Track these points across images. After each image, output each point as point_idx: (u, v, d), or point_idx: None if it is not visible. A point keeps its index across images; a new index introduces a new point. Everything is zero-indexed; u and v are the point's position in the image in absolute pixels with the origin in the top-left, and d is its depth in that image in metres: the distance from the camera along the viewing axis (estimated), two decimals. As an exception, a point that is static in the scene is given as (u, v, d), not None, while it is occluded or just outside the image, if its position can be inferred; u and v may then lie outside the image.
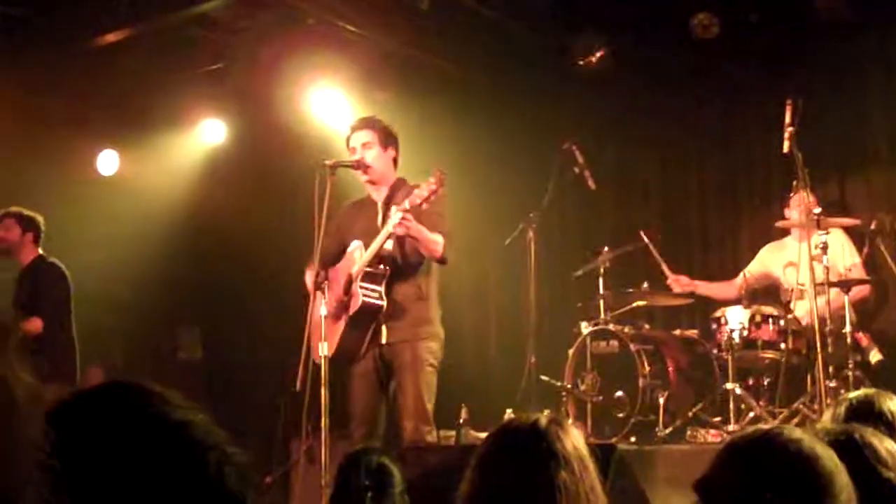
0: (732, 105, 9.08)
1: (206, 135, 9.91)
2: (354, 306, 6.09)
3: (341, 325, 6.12)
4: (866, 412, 3.16)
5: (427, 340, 6.16)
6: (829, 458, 2.18)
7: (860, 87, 8.45)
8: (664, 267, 7.98)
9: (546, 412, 2.91)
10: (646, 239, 7.96)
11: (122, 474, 1.22)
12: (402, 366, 6.12)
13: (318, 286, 5.96)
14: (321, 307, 5.89)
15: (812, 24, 8.25)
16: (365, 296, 6.07)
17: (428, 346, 6.15)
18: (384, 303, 6.11)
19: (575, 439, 2.80)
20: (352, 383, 6.21)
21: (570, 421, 6.80)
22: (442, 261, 6.16)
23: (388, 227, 5.92)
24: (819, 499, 2.11)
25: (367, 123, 6.47)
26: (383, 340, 6.14)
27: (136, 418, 1.28)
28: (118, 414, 1.28)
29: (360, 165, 6.32)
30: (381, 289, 6.13)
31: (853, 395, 3.38)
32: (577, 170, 7.90)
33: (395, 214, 5.87)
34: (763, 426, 2.35)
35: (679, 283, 7.96)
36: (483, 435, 6.89)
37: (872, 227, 7.42)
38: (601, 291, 7.72)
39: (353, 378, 6.21)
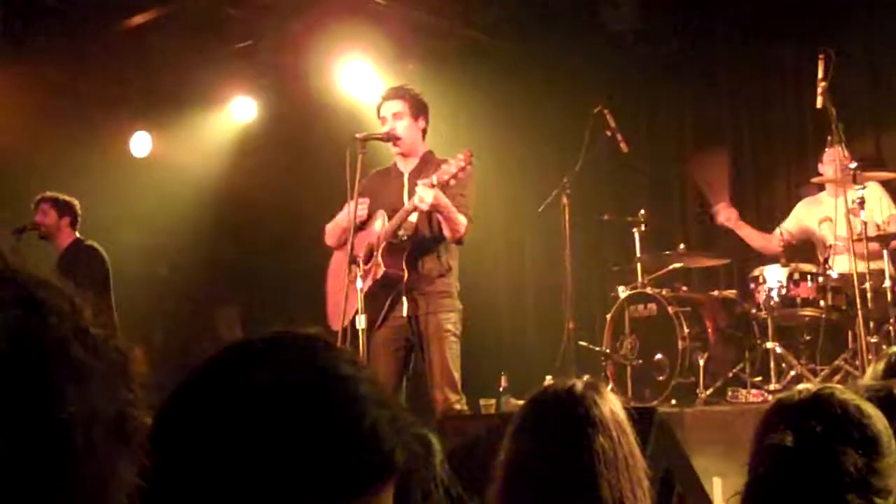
0: (765, 60, 8.99)
1: (237, 113, 9.93)
2: (375, 276, 6.09)
3: (365, 296, 6.12)
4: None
5: (448, 312, 6.16)
6: (879, 418, 2.19)
7: (894, 40, 8.33)
8: (715, 194, 7.91)
9: (585, 377, 2.91)
10: (698, 167, 7.84)
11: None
12: (427, 338, 6.12)
13: (352, 260, 5.96)
14: (357, 281, 5.89)
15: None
16: (386, 266, 6.07)
17: (449, 317, 6.15)
18: (405, 274, 6.11)
19: (612, 404, 2.80)
20: (372, 351, 6.20)
21: (610, 386, 6.79)
22: (460, 241, 6.15)
23: (415, 201, 5.91)
24: (874, 457, 2.12)
25: (397, 93, 6.43)
26: (407, 313, 6.14)
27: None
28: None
29: (391, 137, 6.30)
30: (402, 261, 6.12)
31: (893, 350, 3.36)
32: (609, 133, 7.85)
33: (424, 190, 5.85)
34: (806, 385, 2.36)
35: (725, 212, 7.85)
36: (523, 402, 6.94)
37: (909, 180, 7.35)
38: (638, 255, 7.69)
39: (374, 346, 6.20)
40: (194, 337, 10.28)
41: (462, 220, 6.02)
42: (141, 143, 9.96)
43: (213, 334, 10.51)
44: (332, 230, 6.38)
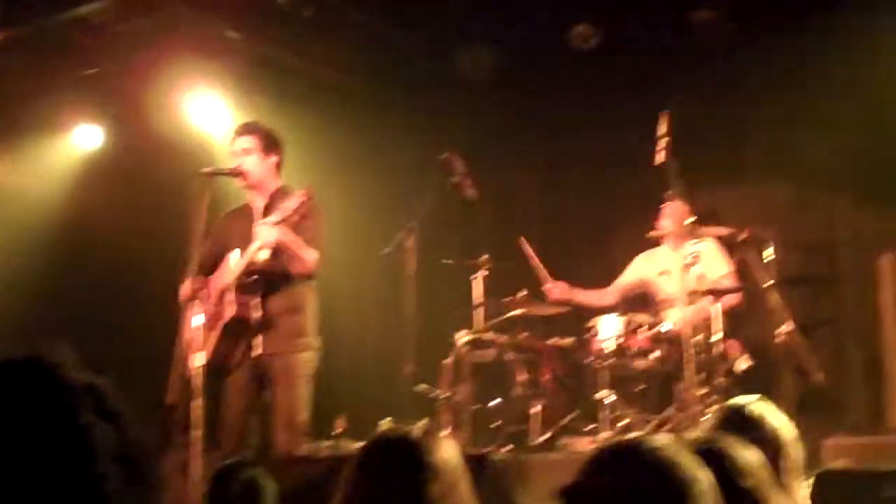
0: (611, 114, 9.22)
1: (82, 140, 9.72)
2: (227, 316, 6.03)
3: (215, 335, 6.06)
4: (738, 420, 3.26)
5: (301, 352, 6.13)
6: (689, 466, 2.24)
7: (733, 101, 8.65)
8: (542, 273, 8.07)
9: (421, 423, 2.93)
10: (525, 246, 8.03)
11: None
12: (276, 378, 6.07)
13: (194, 296, 5.89)
14: (197, 317, 5.82)
15: (689, 36, 8.43)
16: (237, 306, 6.01)
17: (302, 357, 6.12)
18: (258, 314, 6.05)
19: (448, 451, 2.82)
20: (224, 394, 6.14)
21: (446, 431, 6.84)
22: (310, 276, 6.13)
23: (259, 240, 5.88)
24: None
25: (247, 129, 6.41)
26: (258, 352, 6.08)
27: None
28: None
29: (237, 173, 6.26)
30: (255, 300, 6.07)
31: (728, 403, 3.48)
32: (456, 179, 7.93)
33: (266, 228, 5.83)
34: (634, 434, 2.41)
35: (556, 289, 8.04)
36: (359, 446, 6.92)
37: (743, 236, 7.60)
38: (479, 300, 7.77)
39: (226, 389, 6.15)
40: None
41: (310, 255, 6.01)
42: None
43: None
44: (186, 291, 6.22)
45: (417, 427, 2.84)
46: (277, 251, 6.03)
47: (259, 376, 6.13)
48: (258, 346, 6.07)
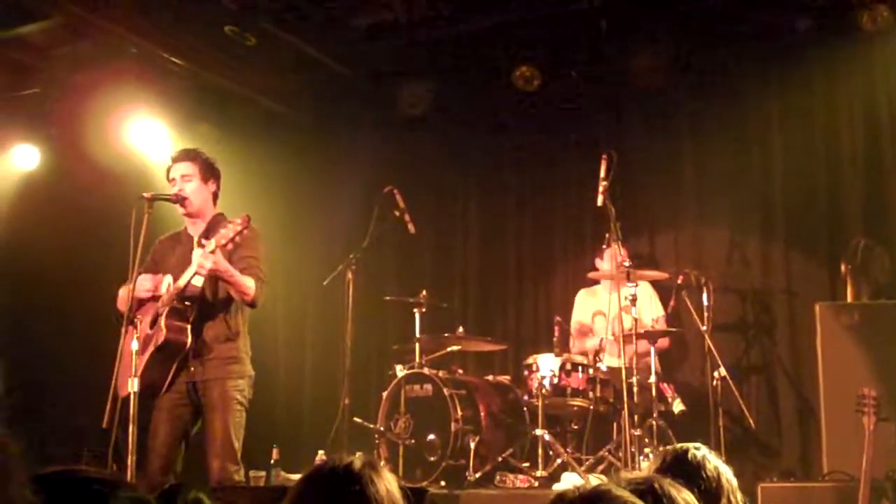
0: (551, 154, 9.30)
1: (18, 159, 9.59)
2: (158, 341, 5.97)
3: (145, 359, 5.99)
4: (679, 464, 3.29)
5: (236, 379, 6.07)
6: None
7: (671, 147, 8.76)
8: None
9: (359, 454, 2.91)
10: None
11: None
12: (211, 404, 6.01)
13: (129, 321, 5.82)
14: (132, 342, 5.75)
15: (629, 83, 8.54)
16: (169, 331, 5.96)
17: (236, 384, 6.06)
18: (189, 339, 5.99)
19: (388, 482, 2.80)
20: (154, 416, 6.05)
21: (383, 464, 6.80)
22: (252, 304, 6.09)
23: (193, 266, 5.84)
24: None
25: (187, 155, 6.36)
26: (191, 378, 6.02)
27: None
28: None
29: (178, 199, 6.21)
30: (187, 325, 6.01)
31: (669, 447, 3.52)
32: (397, 213, 7.93)
33: (203, 255, 5.79)
34: (583, 481, 2.42)
35: None
36: (294, 476, 6.86)
37: (679, 281, 7.69)
38: (417, 335, 7.77)
39: (156, 411, 6.06)
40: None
41: (249, 282, 5.96)
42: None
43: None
44: (123, 297, 6.18)
45: (359, 458, 2.81)
46: (214, 278, 5.98)
47: (194, 402, 6.06)
48: (192, 372, 6.00)
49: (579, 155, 8.91)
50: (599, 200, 7.07)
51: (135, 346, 5.76)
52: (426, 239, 9.01)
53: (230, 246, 5.79)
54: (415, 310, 7.84)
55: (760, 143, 8.46)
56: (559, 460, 7.14)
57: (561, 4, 8.11)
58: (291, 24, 8.24)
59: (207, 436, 5.99)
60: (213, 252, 5.74)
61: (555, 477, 6.97)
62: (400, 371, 7.64)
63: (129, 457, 5.53)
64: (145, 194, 6.03)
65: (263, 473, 6.79)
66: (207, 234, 6.18)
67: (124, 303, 6.00)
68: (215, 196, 6.35)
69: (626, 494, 2.25)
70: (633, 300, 7.02)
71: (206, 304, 6.07)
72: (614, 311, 7.43)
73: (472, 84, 9.02)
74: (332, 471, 2.79)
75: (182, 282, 5.95)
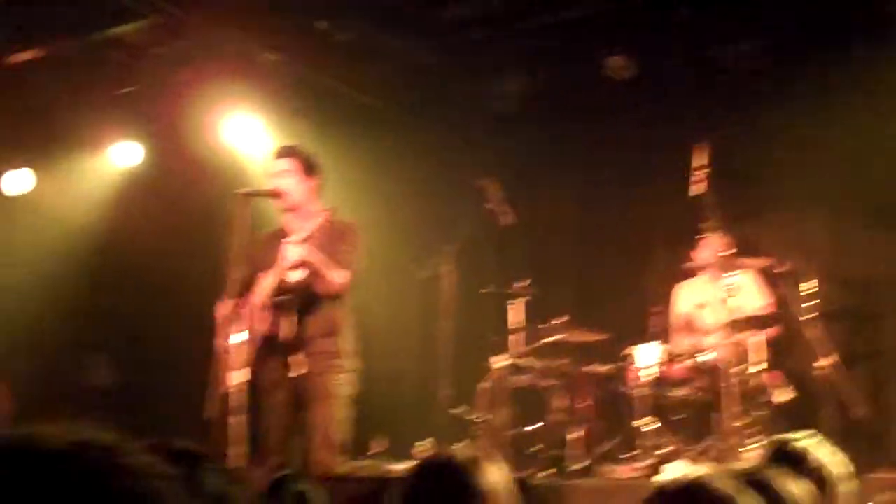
0: (646, 144, 9.19)
1: (120, 157, 9.76)
2: (260, 335, 6.03)
3: (250, 353, 6.05)
4: (787, 454, 3.25)
5: (339, 373, 6.11)
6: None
7: (770, 133, 8.60)
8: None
9: (462, 445, 2.90)
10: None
11: None
12: (315, 397, 6.05)
13: (232, 314, 5.88)
14: (233, 336, 5.81)
15: (725, 70, 8.41)
16: (270, 324, 6.01)
17: (340, 378, 6.10)
18: (289, 333, 6.03)
19: (495, 475, 2.80)
20: (265, 413, 6.13)
21: (489, 455, 6.78)
22: (339, 296, 6.11)
23: (284, 258, 5.89)
24: None
25: (287, 152, 6.41)
26: (296, 372, 6.06)
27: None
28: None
29: (275, 194, 6.25)
30: (288, 319, 6.05)
31: (778, 437, 3.48)
32: (492, 205, 7.91)
33: (290, 248, 5.84)
34: (680, 464, 2.39)
35: None
36: (396, 466, 6.89)
37: (782, 269, 7.54)
38: (516, 326, 7.74)
39: (268, 407, 6.14)
40: (62, 381, 10.00)
41: (336, 275, 5.98)
42: (14, 182, 9.72)
43: (82, 379, 10.23)
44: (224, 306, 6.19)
45: (465, 451, 2.81)
46: (314, 273, 6.02)
47: (299, 396, 6.10)
48: (296, 366, 6.04)
49: (675, 144, 8.77)
50: (696, 189, 6.97)
51: (238, 339, 5.82)
52: (522, 230, 8.96)
53: (319, 237, 5.83)
54: (512, 301, 7.81)
55: (863, 126, 8.26)
56: (662, 451, 7.05)
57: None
58: (383, 17, 8.26)
59: (312, 428, 6.04)
60: (301, 243, 5.79)
61: (657, 467, 6.89)
62: (499, 362, 7.61)
63: (234, 447, 5.60)
64: (241, 190, 6.09)
65: (366, 464, 6.82)
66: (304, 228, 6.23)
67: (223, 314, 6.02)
68: (317, 191, 6.36)
69: (725, 485, 2.22)
70: (734, 290, 6.91)
71: (307, 299, 6.11)
72: (715, 301, 7.31)
73: (565, 75, 8.95)
74: (442, 463, 2.79)
75: (276, 274, 6.01)
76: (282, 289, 6.06)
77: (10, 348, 9.09)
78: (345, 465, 6.10)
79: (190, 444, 1.90)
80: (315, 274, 5.99)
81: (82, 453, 1.12)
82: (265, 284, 6.11)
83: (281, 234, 6.40)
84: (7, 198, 9.72)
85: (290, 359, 6.04)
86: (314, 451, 6.00)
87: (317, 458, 5.98)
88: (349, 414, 6.10)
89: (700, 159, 6.96)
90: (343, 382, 6.10)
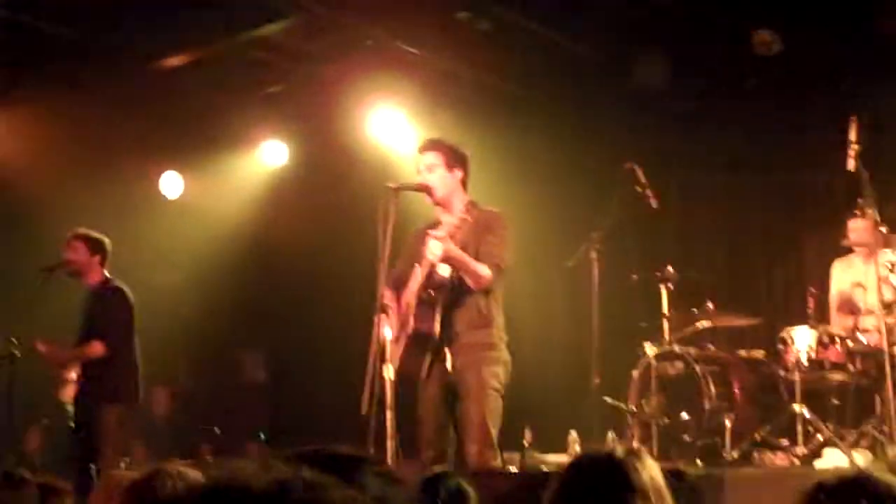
0: (797, 122, 8.98)
1: (268, 156, 9.97)
2: (408, 331, 6.08)
3: (401, 348, 6.11)
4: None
5: (491, 365, 6.09)
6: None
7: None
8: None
9: (610, 435, 2.89)
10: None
11: None
12: (467, 391, 6.06)
13: (381, 309, 5.93)
14: (387, 331, 5.87)
15: (876, 40, 8.16)
16: (417, 320, 6.05)
17: (492, 370, 6.08)
18: (437, 328, 6.04)
19: (652, 470, 2.77)
20: (419, 407, 6.18)
21: (637, 444, 6.74)
22: (487, 288, 6.10)
23: (428, 253, 5.90)
24: None
25: (432, 145, 6.40)
26: (448, 366, 6.08)
27: None
28: None
29: (424, 188, 6.27)
30: (435, 314, 6.06)
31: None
32: (638, 189, 7.81)
33: (433, 243, 5.84)
34: (847, 459, 2.34)
35: None
36: (547, 457, 6.89)
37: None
38: (665, 312, 7.65)
39: (421, 402, 6.18)
40: (219, 379, 10.27)
41: (482, 270, 5.98)
42: (171, 184, 10.01)
43: (238, 377, 10.50)
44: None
45: (621, 446, 2.79)
46: (454, 266, 6.04)
47: (452, 389, 6.12)
48: (447, 360, 6.07)
49: (827, 118, 8.55)
50: (851, 164, 6.75)
51: (389, 333, 5.88)
52: (670, 214, 8.85)
53: (463, 232, 5.83)
54: (662, 286, 7.72)
55: None
56: (820, 437, 6.89)
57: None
58: (522, 5, 8.25)
59: (464, 422, 6.05)
60: (440, 240, 5.80)
61: (816, 454, 6.75)
62: (649, 349, 7.53)
63: (389, 441, 5.67)
64: (391, 184, 6.12)
65: (518, 455, 6.82)
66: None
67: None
68: (464, 183, 6.34)
69: (889, 480, 2.16)
70: (893, 267, 6.71)
71: (456, 293, 6.11)
72: (873, 280, 7.10)
73: (710, 53, 8.79)
74: (596, 459, 2.78)
75: (423, 272, 6.03)
76: (431, 283, 6.08)
77: (169, 351, 9.35)
78: (497, 459, 6.10)
79: (350, 448, 1.94)
80: (460, 269, 6.01)
81: (287, 492, 1.18)
82: (415, 279, 6.15)
83: (433, 228, 6.42)
84: (164, 199, 10.00)
85: (440, 353, 6.07)
86: (467, 445, 6.02)
87: (470, 452, 6.00)
88: (501, 407, 6.10)
89: (853, 134, 6.76)
90: (495, 375, 6.10)
